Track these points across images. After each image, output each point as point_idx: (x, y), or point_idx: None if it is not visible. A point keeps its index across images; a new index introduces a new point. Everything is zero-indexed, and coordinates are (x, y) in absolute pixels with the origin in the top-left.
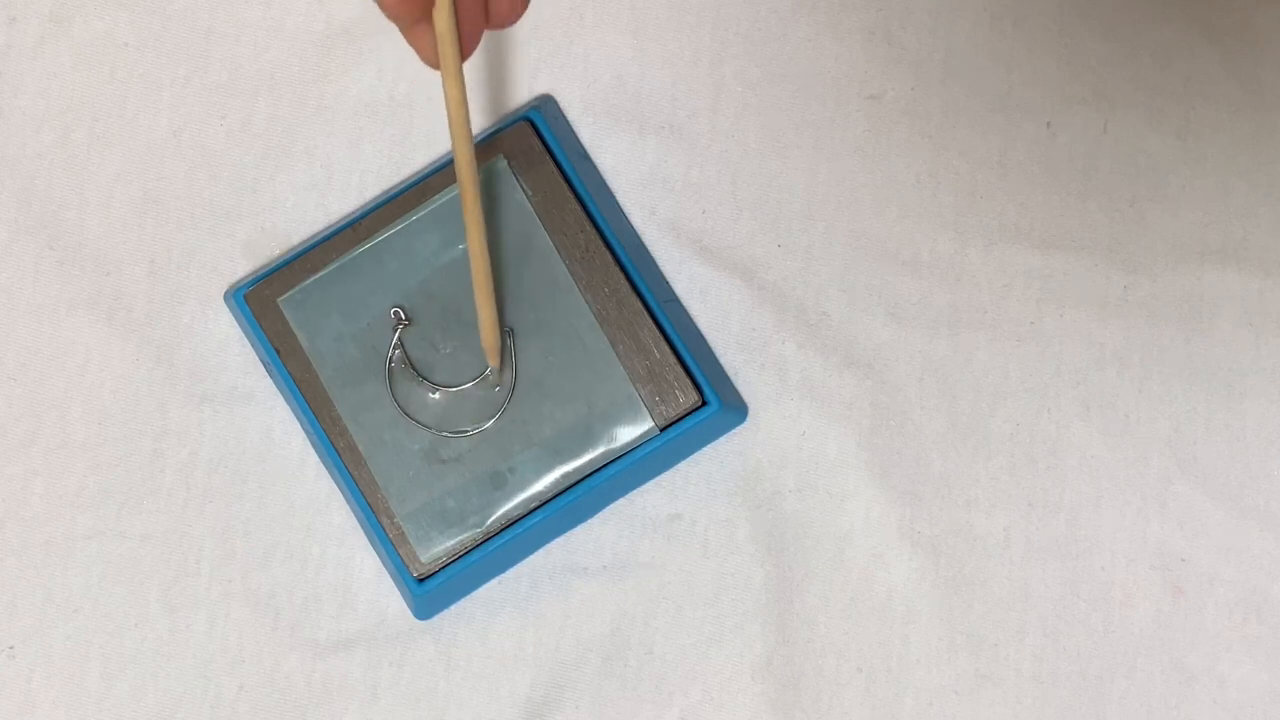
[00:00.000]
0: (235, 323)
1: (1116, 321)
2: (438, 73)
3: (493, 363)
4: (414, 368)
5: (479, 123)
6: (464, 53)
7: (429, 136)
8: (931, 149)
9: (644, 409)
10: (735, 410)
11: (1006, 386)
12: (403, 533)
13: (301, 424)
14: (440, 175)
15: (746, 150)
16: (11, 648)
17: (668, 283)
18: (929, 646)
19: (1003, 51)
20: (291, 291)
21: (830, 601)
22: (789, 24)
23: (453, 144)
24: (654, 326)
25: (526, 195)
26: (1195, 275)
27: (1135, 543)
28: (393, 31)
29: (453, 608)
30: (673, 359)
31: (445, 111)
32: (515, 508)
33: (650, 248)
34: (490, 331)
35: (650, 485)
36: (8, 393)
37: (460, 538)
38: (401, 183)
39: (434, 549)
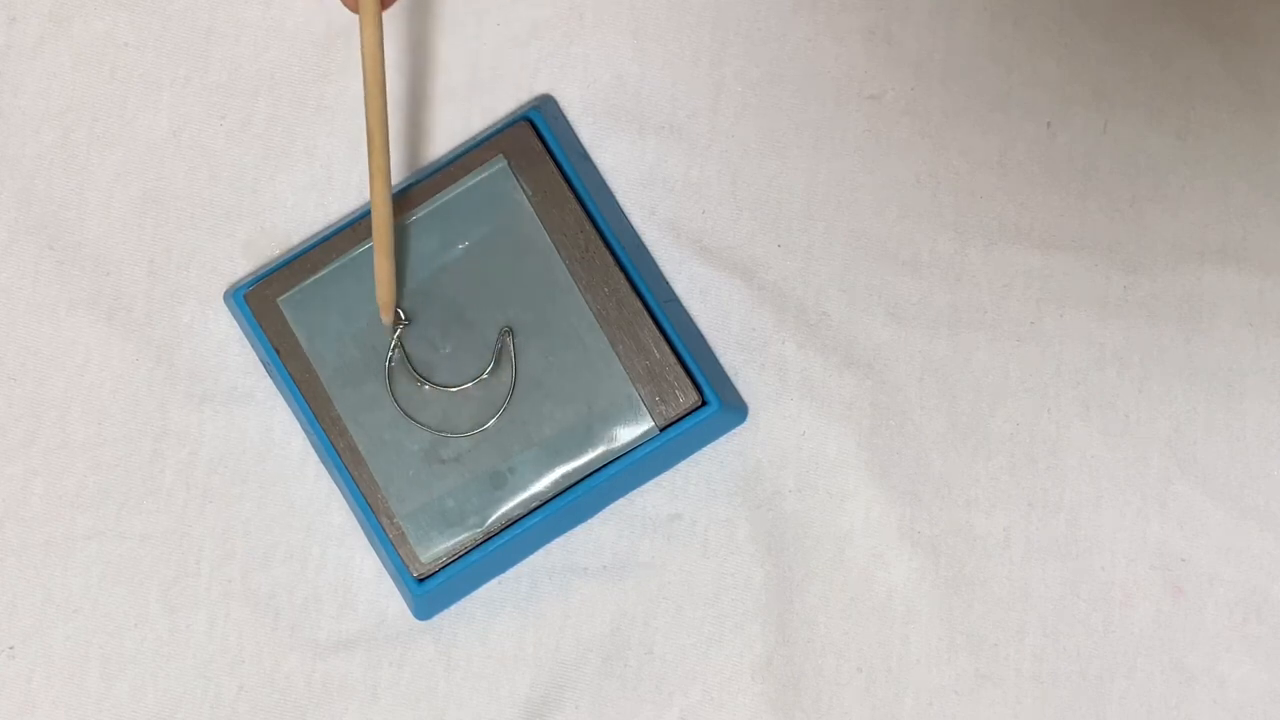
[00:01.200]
0: (235, 323)
1: (1116, 321)
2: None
3: (385, 319)
4: (414, 368)
5: (479, 123)
6: (386, 2)
7: (429, 137)
8: (931, 149)
9: (644, 409)
10: (735, 410)
11: (1006, 386)
12: (403, 533)
13: (301, 424)
14: (441, 175)
15: (746, 150)
16: (11, 648)
17: (668, 283)
18: (929, 646)
19: (1003, 51)
20: (291, 291)
21: (830, 601)
22: (789, 24)
23: (365, 90)
24: (654, 326)
25: (526, 195)
26: (1195, 275)
27: (1135, 543)
28: (392, 31)
29: (453, 608)
30: (673, 359)
31: (360, 59)
32: (515, 508)
33: (650, 248)
34: (386, 287)
35: (650, 485)
36: (8, 393)
37: (460, 538)
38: (401, 183)
39: (434, 549)
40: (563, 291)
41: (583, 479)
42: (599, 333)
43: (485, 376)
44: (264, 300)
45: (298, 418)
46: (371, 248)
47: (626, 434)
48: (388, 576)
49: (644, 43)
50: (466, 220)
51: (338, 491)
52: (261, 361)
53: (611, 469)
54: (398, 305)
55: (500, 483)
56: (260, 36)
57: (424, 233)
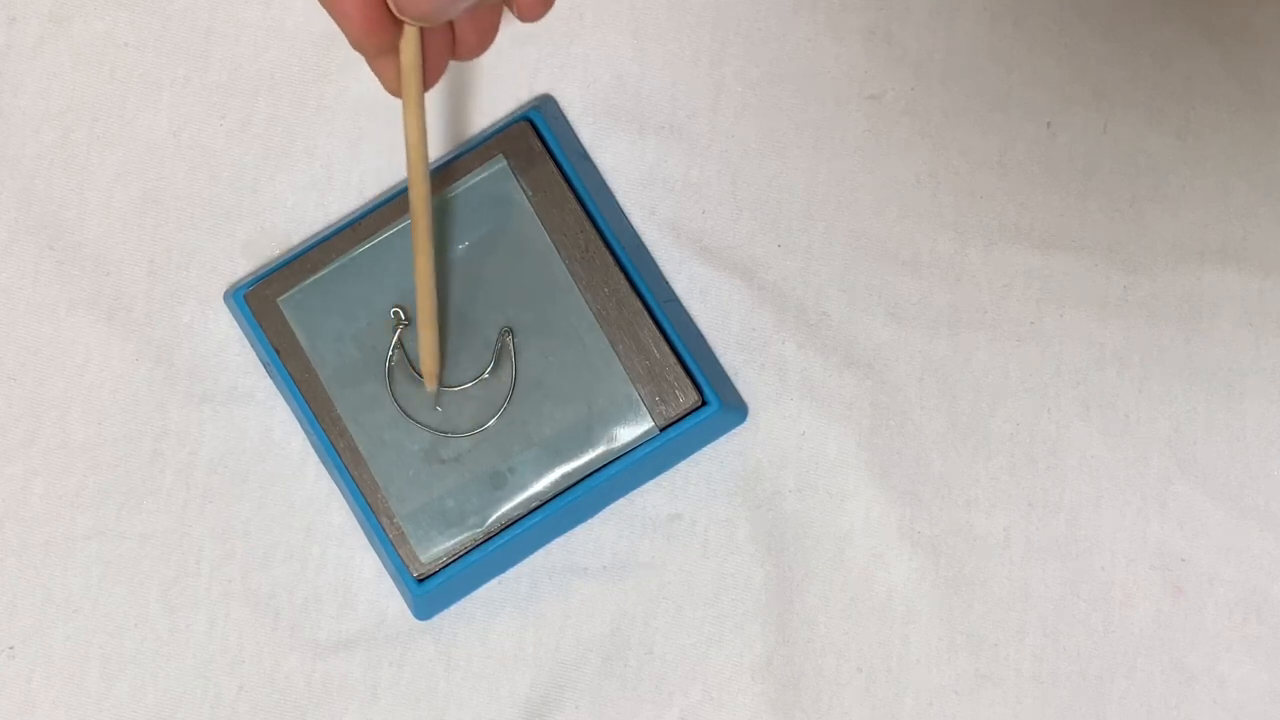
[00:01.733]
0: (235, 323)
1: (1116, 321)
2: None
3: (430, 387)
4: (414, 368)
5: (479, 123)
6: (428, 84)
7: (428, 137)
8: (931, 149)
9: (644, 409)
10: (735, 410)
11: (1006, 386)
12: (403, 533)
13: (301, 424)
14: (440, 175)
15: (746, 150)
16: (11, 648)
17: (668, 283)
18: (929, 646)
19: (1003, 51)
20: (291, 291)
21: (830, 601)
22: (789, 24)
23: (409, 173)
24: (654, 326)
25: (526, 195)
26: (1195, 275)
27: (1135, 543)
28: None
29: (453, 608)
30: (673, 359)
31: (404, 141)
32: (515, 508)
33: (650, 248)
34: (430, 358)
35: (650, 485)
36: (8, 393)
37: (460, 538)
38: (401, 183)
39: (434, 549)
40: (563, 291)
41: (583, 479)
42: (599, 333)
43: (485, 376)
44: (264, 300)
45: (298, 418)
46: (371, 247)
47: (626, 434)
48: (388, 576)
49: (644, 43)
50: (466, 220)
51: (338, 491)
52: (261, 361)
53: (611, 469)
54: (398, 305)
55: (500, 483)
56: (260, 36)
57: None
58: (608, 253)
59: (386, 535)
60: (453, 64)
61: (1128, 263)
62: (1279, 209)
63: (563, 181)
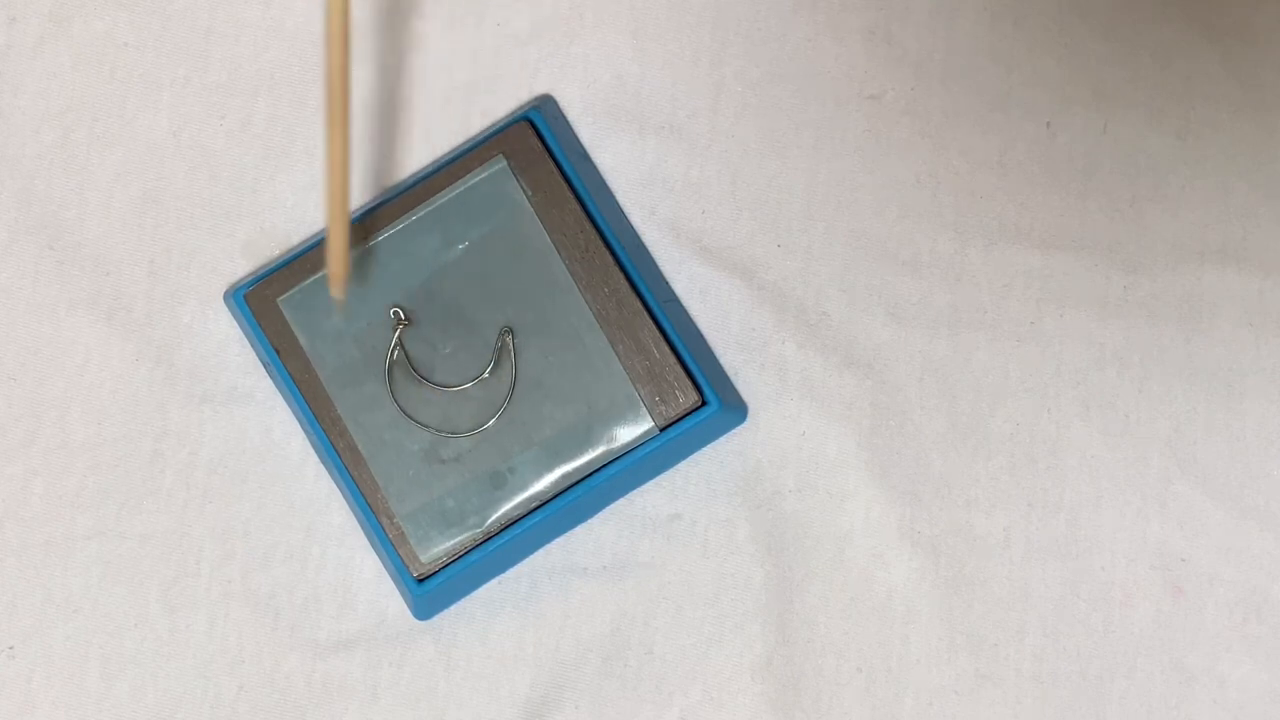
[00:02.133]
0: (235, 323)
1: (1116, 321)
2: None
3: (335, 294)
4: (414, 368)
5: (479, 123)
6: None
7: (428, 137)
8: (931, 149)
9: (644, 409)
10: (735, 410)
11: (1006, 386)
12: (403, 533)
13: (301, 424)
14: (440, 175)
15: (746, 150)
16: (11, 648)
17: (668, 283)
18: (929, 646)
19: (1003, 51)
20: (291, 291)
21: (830, 601)
22: (789, 24)
23: (326, 42)
24: (654, 326)
25: (526, 195)
26: (1195, 275)
27: (1135, 543)
28: (392, 31)
29: (453, 608)
30: (673, 359)
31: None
32: (515, 508)
33: (650, 248)
34: (337, 261)
35: (650, 485)
36: (8, 393)
37: (460, 538)
38: (401, 183)
39: (434, 549)
40: (563, 291)
41: (583, 479)
42: (599, 333)
43: (485, 376)
44: (264, 300)
45: (298, 418)
46: (371, 247)
47: (626, 434)
48: (388, 576)
49: (644, 43)
50: (466, 220)
51: (338, 491)
52: (261, 361)
53: (611, 469)
54: (397, 304)
55: (500, 483)
56: (260, 36)
57: (424, 233)
58: (608, 253)
59: (386, 535)
60: (451, 65)
61: (1128, 263)
62: (1279, 209)
63: (563, 181)
